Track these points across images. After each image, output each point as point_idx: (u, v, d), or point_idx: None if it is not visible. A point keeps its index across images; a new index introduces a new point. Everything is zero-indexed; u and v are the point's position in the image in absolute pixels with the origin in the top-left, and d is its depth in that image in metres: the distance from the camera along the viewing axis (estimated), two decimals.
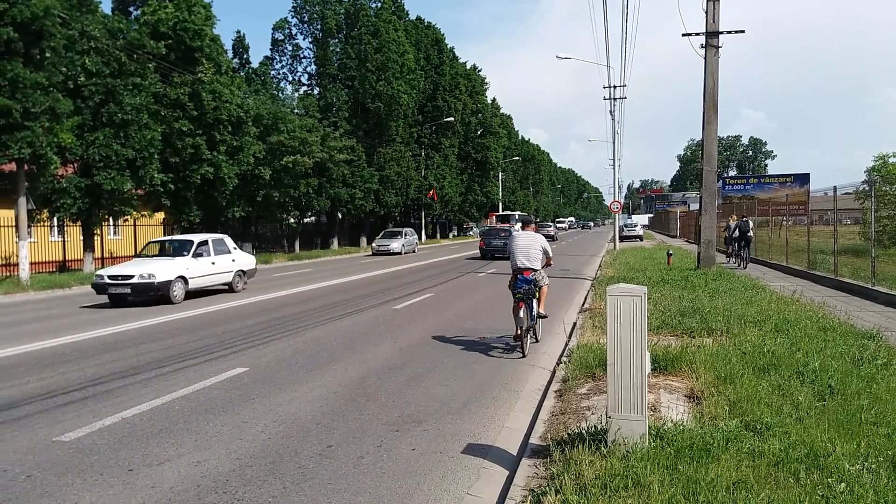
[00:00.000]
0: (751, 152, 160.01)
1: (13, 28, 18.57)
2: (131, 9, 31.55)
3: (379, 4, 51.25)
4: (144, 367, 8.51)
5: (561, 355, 8.83)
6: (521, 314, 8.89)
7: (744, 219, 23.54)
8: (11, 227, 22.98)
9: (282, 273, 26.40)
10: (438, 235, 71.84)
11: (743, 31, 19.23)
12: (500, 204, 77.83)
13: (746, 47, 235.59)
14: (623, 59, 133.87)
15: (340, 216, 48.63)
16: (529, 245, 9.22)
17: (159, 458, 5.16)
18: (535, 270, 9.13)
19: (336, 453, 5.22)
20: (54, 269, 26.62)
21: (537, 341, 9.85)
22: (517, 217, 46.87)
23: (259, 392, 7.13)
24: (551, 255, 9.54)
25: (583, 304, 14.30)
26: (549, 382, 7.40)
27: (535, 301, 9.35)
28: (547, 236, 33.63)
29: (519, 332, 8.89)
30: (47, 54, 19.97)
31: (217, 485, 4.64)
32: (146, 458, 5.17)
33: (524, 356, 8.87)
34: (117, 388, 7.45)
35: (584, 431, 5.01)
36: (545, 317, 9.92)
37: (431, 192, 56.59)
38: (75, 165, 24.22)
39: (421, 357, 8.96)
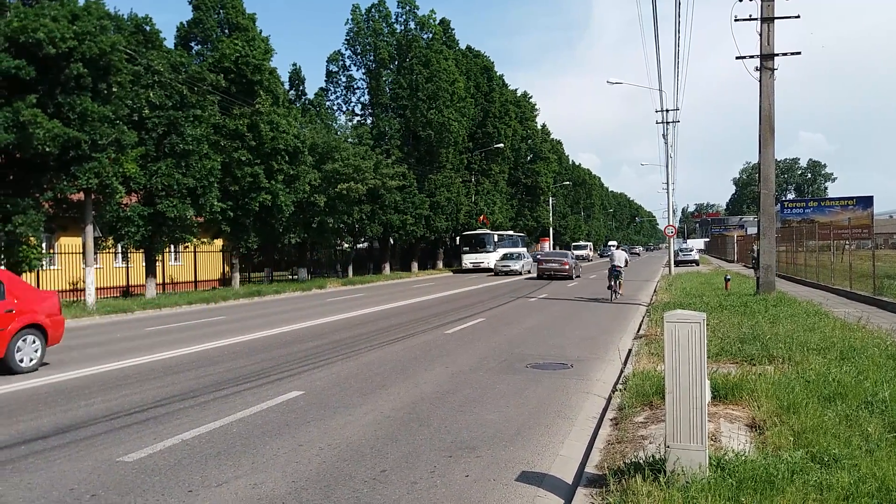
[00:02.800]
0: (810, 175, 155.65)
1: (83, 64, 19.52)
2: (192, 44, 32.87)
3: (430, 35, 52.09)
4: (204, 390, 8.71)
5: (616, 382, 8.68)
6: (612, 284, 21.82)
7: None
8: (79, 253, 23.98)
9: (335, 297, 26.74)
10: None
11: (799, 53, 18.84)
12: (551, 229, 77.41)
13: (804, 69, 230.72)
14: (675, 82, 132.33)
15: (392, 242, 49.13)
16: (619, 255, 22.40)
17: (217, 480, 5.26)
18: (621, 267, 22.12)
19: (390, 478, 5.23)
20: (118, 295, 27.58)
21: (622, 295, 21.97)
22: (495, 237, 51.25)
23: (314, 415, 7.21)
24: (629, 261, 21.75)
25: (637, 331, 14.05)
26: (605, 410, 7.27)
27: (617, 282, 21.97)
28: (579, 256, 50.79)
29: (611, 286, 21.89)
30: (114, 88, 20.91)
31: None
32: (205, 480, 5.27)
33: (612, 301, 20.87)
34: (177, 410, 7.64)
35: (641, 461, 4.90)
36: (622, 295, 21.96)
37: (482, 218, 56.69)
38: (139, 194, 25.18)
39: (473, 382, 8.93)
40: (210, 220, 27.60)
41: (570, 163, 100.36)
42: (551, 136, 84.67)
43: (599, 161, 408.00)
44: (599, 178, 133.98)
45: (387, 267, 47.90)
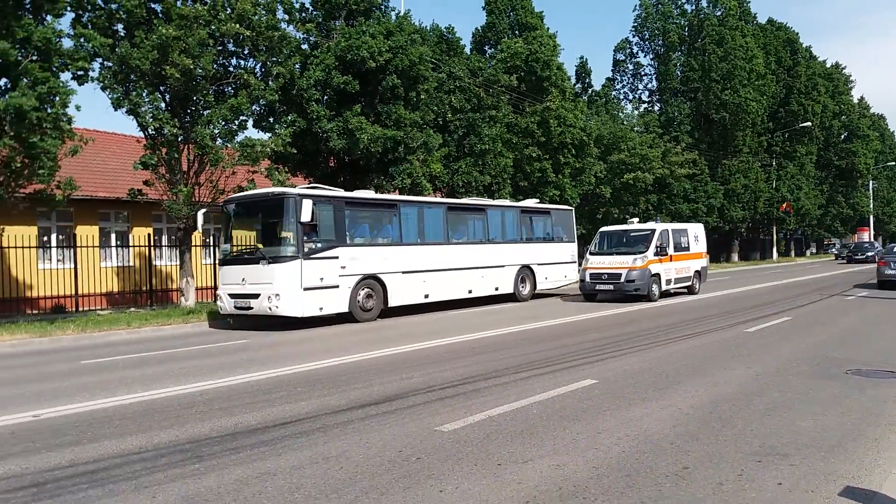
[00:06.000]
0: None
1: (396, 75, 21.97)
2: (486, 47, 34.93)
3: (723, 12, 48.63)
4: (504, 371, 9.36)
5: None
6: None
7: None
8: None
9: None
10: (793, 253, 64.88)
11: None
12: (871, 217, 67.37)
13: None
14: None
15: None
16: None
17: (523, 457, 5.65)
18: None
19: (693, 476, 5.15)
20: None
21: None
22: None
23: (609, 405, 7.34)
24: None
25: None
26: None
27: None
28: None
29: None
30: (422, 96, 23.19)
31: (577, 490, 4.91)
32: (511, 456, 5.69)
33: None
34: (483, 388, 8.32)
35: None
36: None
37: (785, 206, 51.47)
38: (442, 192, 27.59)
39: (779, 385, 8.28)
40: None
41: None
42: (871, 111, 73.63)
43: None
44: None
45: None
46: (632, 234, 21.73)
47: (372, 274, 17.03)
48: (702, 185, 44.14)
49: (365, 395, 8.16)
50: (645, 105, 52.03)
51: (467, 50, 31.88)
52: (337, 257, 16.17)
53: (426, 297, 18.60)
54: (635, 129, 42.48)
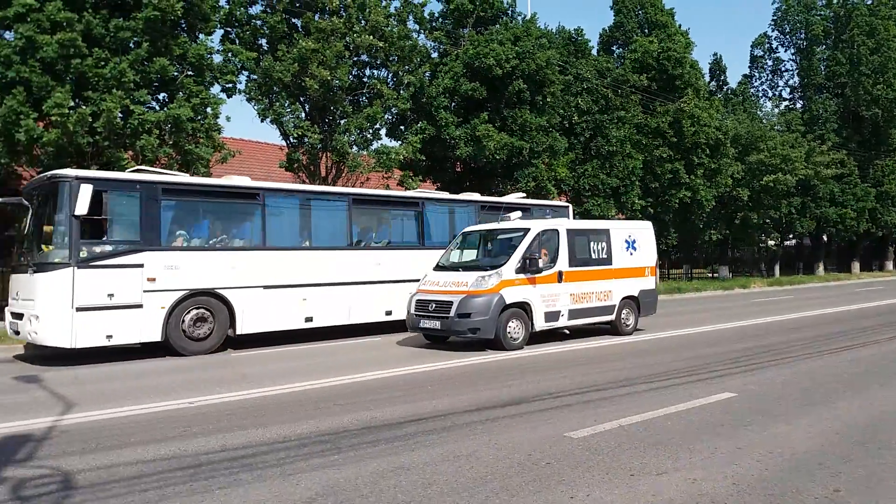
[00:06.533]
0: None
1: (522, 80, 22.00)
2: (613, 47, 34.21)
3: (874, 1, 44.80)
4: (635, 380, 9.13)
5: None
6: None
7: None
8: None
9: (761, 298, 25.11)
10: None
11: None
12: None
13: None
14: None
15: (826, 238, 43.78)
16: None
17: (657, 469, 5.49)
18: None
19: (847, 501, 4.81)
20: None
21: None
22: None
23: (750, 420, 6.97)
24: None
25: None
26: None
27: None
28: None
29: None
30: (548, 99, 23.08)
31: None
32: (644, 467, 5.55)
33: None
34: (613, 396, 8.16)
35: None
36: None
37: None
38: (567, 195, 27.32)
39: None
40: (630, 217, 28.46)
41: None
42: None
43: None
44: None
45: (820, 267, 42.96)
46: (499, 236, 13.95)
47: (208, 289, 12.46)
48: (850, 186, 40.90)
49: (494, 396, 8.22)
50: (786, 102, 48.93)
51: (594, 51, 31.36)
52: (141, 265, 11.74)
53: (308, 320, 13.85)
54: (775, 127, 40.03)
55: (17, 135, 13.91)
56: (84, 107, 14.32)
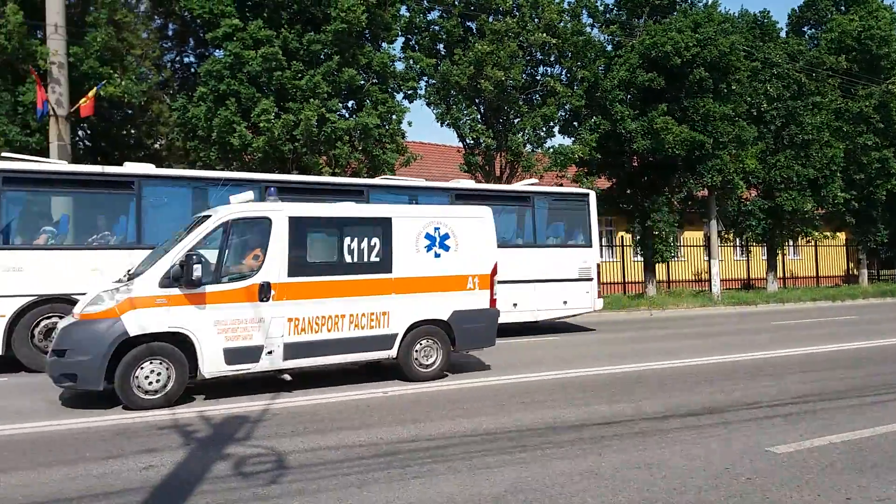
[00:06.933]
0: None
1: (704, 68, 20.75)
2: (805, 28, 31.34)
3: None
4: (845, 393, 8.27)
5: None
6: None
7: None
8: (701, 246, 26.01)
9: None
10: None
11: None
12: None
13: None
14: None
15: None
16: None
17: (877, 495, 4.91)
18: None
19: None
20: (738, 287, 28.54)
21: None
22: None
23: None
24: None
25: None
26: None
27: None
28: None
29: None
30: (733, 87, 21.59)
31: None
32: (862, 490, 4.99)
33: None
34: (819, 409, 7.44)
35: None
36: None
37: None
38: (758, 188, 25.45)
39: None
40: (832, 212, 26.04)
41: None
42: None
43: None
44: None
45: None
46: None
47: (62, 295, 10.34)
48: None
49: (684, 402, 7.82)
50: None
51: (783, 34, 28.85)
52: None
53: None
54: None
55: (231, 141, 15.51)
56: (287, 115, 15.67)
